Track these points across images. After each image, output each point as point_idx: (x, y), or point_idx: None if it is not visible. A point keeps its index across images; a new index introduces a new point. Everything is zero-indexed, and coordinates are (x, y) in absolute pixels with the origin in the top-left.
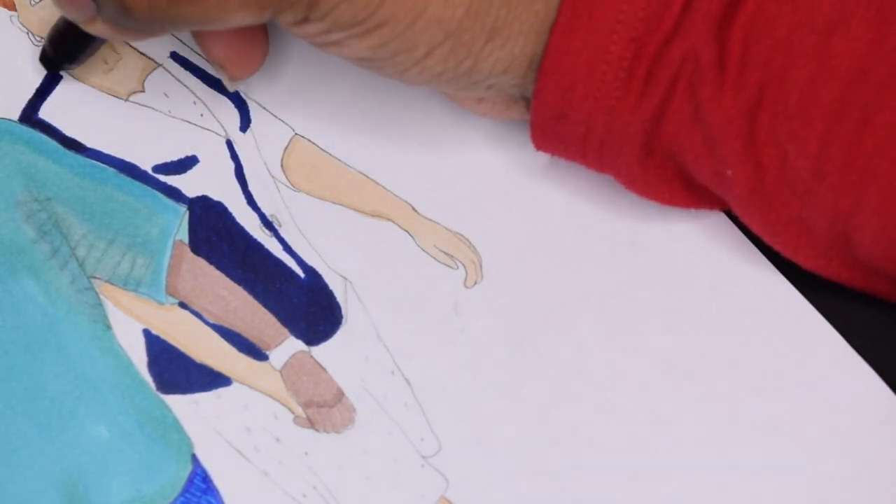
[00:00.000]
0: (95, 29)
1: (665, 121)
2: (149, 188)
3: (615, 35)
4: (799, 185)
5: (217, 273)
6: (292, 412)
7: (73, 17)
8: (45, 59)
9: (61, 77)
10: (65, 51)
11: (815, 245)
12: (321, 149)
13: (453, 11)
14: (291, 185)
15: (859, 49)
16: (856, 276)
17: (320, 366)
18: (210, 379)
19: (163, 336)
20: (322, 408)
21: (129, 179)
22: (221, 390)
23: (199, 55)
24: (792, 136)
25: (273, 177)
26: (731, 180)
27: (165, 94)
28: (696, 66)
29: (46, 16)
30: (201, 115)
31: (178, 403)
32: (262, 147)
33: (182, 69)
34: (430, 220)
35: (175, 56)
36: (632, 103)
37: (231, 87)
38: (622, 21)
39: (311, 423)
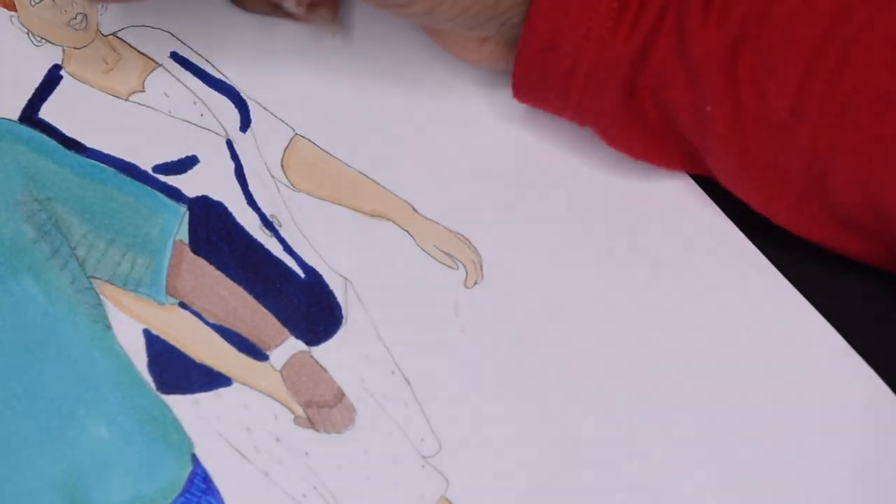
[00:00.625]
0: None
1: (652, 53)
2: (149, 188)
3: None
4: (777, 126)
5: (217, 273)
6: (292, 412)
7: None
8: None
9: (61, 77)
10: None
11: (788, 193)
12: (321, 149)
13: None
14: (291, 185)
15: None
16: (826, 233)
17: (320, 366)
18: (210, 379)
19: (163, 336)
20: (322, 408)
21: (129, 179)
22: (221, 390)
23: (200, 55)
24: (772, 72)
25: (273, 177)
26: (709, 117)
27: (165, 94)
28: None
29: (46, 16)
30: (201, 115)
31: (178, 403)
32: (262, 147)
33: (182, 69)
34: (430, 220)
35: (175, 56)
36: (623, 34)
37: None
38: None
39: (311, 424)
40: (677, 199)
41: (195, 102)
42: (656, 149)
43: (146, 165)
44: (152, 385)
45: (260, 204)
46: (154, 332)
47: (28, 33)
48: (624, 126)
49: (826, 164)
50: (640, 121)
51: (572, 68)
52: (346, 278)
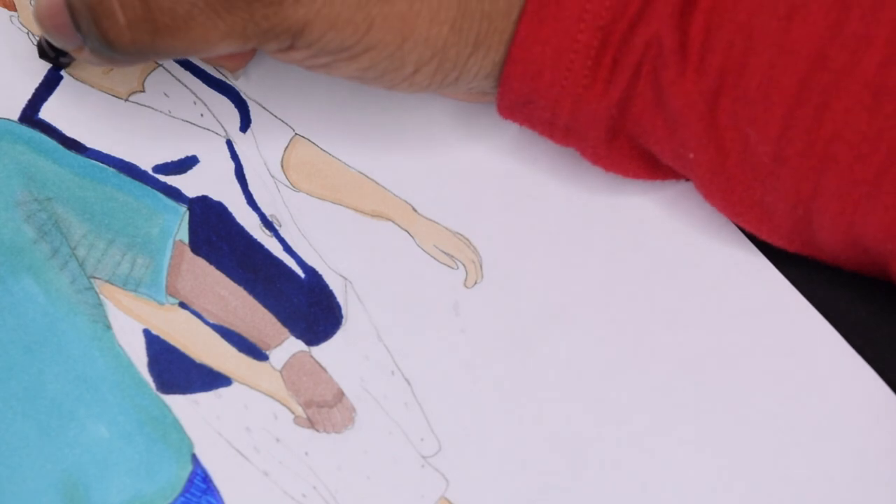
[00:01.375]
0: (84, 56)
1: (630, 106)
2: (149, 188)
3: (582, 24)
4: (760, 169)
5: (217, 273)
6: (292, 412)
7: (62, 45)
8: (43, 53)
9: (61, 77)
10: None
11: (778, 229)
12: (321, 149)
13: (439, 29)
14: (291, 185)
15: (819, 34)
16: (821, 256)
17: (320, 366)
18: (210, 379)
19: (163, 336)
20: (322, 408)
21: (129, 179)
22: (221, 390)
23: None
24: (753, 120)
25: (273, 177)
26: (693, 163)
27: (165, 94)
28: (658, 52)
29: None
30: (201, 115)
31: (178, 403)
32: (262, 147)
33: (182, 69)
34: (430, 220)
35: None
36: (598, 91)
37: (237, 77)
38: (589, 10)
39: (311, 423)
40: (677, 199)
41: (195, 102)
42: (648, 175)
43: (146, 165)
44: (152, 385)
45: (260, 204)
46: (154, 332)
47: (28, 33)
48: (611, 161)
49: (809, 206)
50: (628, 156)
51: (552, 118)
52: (346, 278)
